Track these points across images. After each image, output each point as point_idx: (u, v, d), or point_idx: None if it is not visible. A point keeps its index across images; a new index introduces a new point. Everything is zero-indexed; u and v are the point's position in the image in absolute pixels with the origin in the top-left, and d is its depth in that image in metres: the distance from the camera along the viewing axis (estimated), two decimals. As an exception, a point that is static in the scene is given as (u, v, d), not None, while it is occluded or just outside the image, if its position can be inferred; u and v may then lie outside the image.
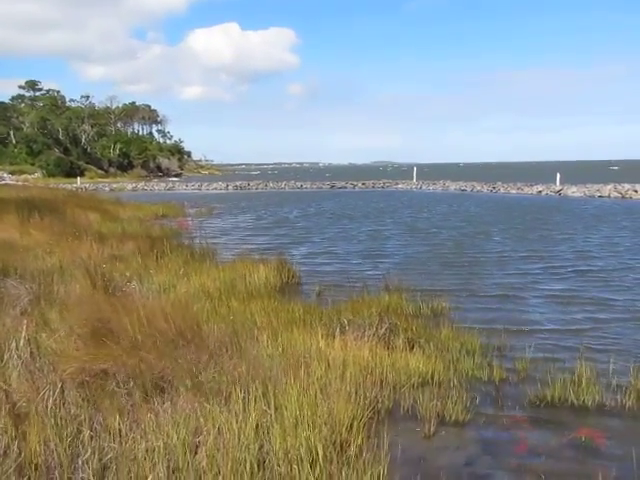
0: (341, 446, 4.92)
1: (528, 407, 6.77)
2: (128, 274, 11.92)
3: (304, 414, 5.05)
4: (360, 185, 69.97)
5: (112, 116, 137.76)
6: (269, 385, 5.68)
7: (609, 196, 45.35)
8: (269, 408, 5.25)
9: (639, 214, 31.85)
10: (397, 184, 69.35)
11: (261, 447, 4.76)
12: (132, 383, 5.87)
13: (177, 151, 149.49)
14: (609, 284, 13.65)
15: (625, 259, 17.30)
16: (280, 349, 7.09)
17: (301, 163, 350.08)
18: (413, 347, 8.04)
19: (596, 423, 6.28)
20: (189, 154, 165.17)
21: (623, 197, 44.39)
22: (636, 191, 44.61)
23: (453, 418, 6.22)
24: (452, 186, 62.55)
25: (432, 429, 5.93)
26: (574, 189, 49.72)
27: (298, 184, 72.12)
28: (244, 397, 5.36)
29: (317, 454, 4.57)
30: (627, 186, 47.33)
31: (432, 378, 7.13)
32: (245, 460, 4.53)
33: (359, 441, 5.04)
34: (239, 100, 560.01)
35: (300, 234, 24.53)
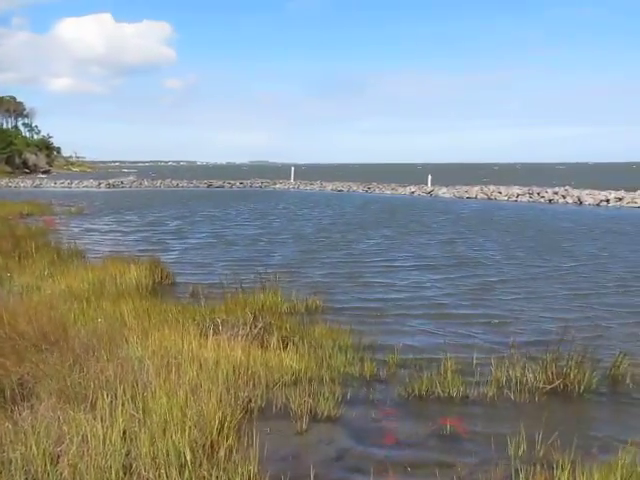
0: (211, 448, 4.85)
1: (397, 400, 6.99)
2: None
3: (173, 417, 4.94)
4: (238, 184, 69.83)
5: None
6: (138, 388, 5.51)
7: (476, 197, 47.80)
8: (137, 412, 5.10)
9: (504, 215, 33.77)
10: (275, 184, 69.55)
11: (128, 453, 4.61)
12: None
13: (45, 146, 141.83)
14: (479, 285, 14.34)
15: (494, 259, 18.28)
16: (150, 351, 6.90)
17: (178, 161, 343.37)
18: (287, 345, 8.07)
19: (460, 413, 6.58)
20: (59, 150, 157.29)
21: (489, 198, 46.95)
22: (500, 192, 47.36)
23: (325, 414, 6.31)
24: (329, 186, 63.60)
25: (304, 426, 5.98)
26: (444, 190, 52.00)
27: (174, 182, 70.97)
28: (111, 402, 5.16)
29: (186, 458, 4.49)
30: (492, 188, 50.22)
31: (305, 375, 7.20)
32: (110, 467, 4.37)
33: (230, 442, 4.99)
34: (113, 94, 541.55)
35: (173, 236, 23.92)
